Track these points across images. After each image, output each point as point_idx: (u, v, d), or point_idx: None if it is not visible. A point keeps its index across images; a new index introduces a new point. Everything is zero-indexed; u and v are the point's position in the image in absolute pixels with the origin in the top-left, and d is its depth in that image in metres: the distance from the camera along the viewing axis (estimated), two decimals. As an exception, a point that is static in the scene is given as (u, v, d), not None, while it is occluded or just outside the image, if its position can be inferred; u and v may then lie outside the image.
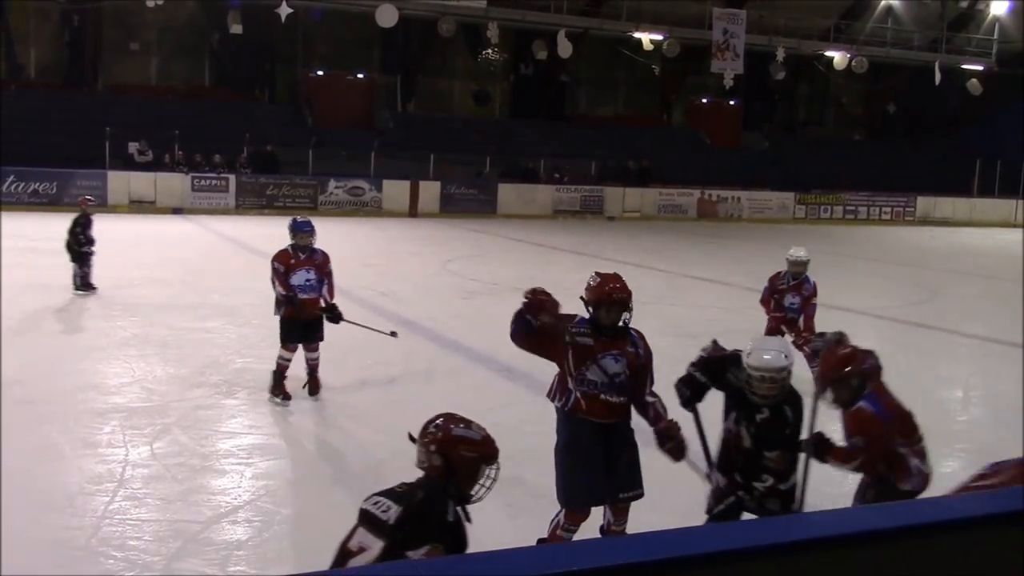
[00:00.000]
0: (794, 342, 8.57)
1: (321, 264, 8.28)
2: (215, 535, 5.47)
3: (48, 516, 5.56)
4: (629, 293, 4.98)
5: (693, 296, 15.39)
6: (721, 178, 33.01)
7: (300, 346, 8.28)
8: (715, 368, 4.89)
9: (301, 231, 8.28)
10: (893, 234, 30.35)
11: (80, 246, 12.70)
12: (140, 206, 25.32)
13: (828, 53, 35.86)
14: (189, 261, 15.65)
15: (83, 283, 12.77)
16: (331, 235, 22.34)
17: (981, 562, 2.27)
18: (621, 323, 4.94)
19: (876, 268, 21.25)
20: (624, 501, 4.96)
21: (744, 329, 12.73)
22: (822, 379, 4.85)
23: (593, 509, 5.04)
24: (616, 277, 5.07)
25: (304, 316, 8.11)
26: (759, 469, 4.68)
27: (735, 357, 4.79)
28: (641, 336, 5.08)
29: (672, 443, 4.88)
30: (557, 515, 5.02)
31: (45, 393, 8.10)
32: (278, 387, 8.19)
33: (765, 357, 4.60)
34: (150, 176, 25.92)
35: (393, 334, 8.97)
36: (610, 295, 4.93)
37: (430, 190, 29.00)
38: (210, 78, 34.63)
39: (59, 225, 13.45)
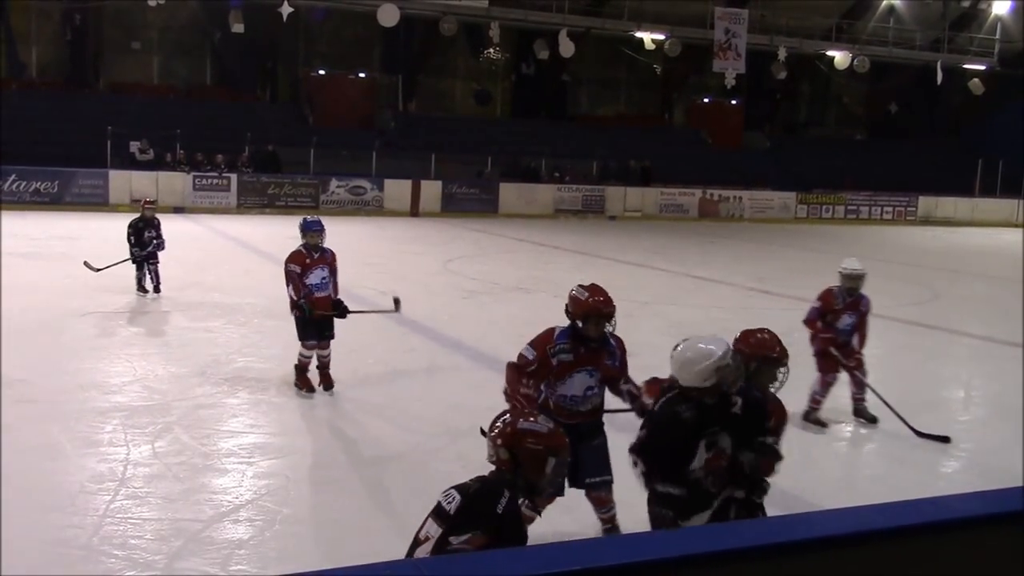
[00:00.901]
0: (845, 367, 7.97)
1: (331, 262, 8.48)
2: (217, 534, 5.47)
3: (49, 515, 5.56)
4: (614, 307, 5.16)
5: (694, 296, 15.39)
6: (722, 178, 33.02)
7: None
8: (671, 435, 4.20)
9: (311, 230, 8.43)
10: (895, 234, 30.35)
11: (138, 248, 12.78)
12: (139, 206, 25.29)
13: (830, 53, 35.86)
14: (190, 260, 15.66)
15: (139, 286, 12.90)
16: (332, 234, 22.35)
17: (982, 562, 2.27)
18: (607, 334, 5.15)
19: (877, 268, 21.15)
20: (591, 487, 5.24)
21: (743, 328, 12.74)
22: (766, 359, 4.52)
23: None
24: (601, 291, 5.20)
25: (318, 315, 8.27)
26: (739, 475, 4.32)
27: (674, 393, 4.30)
28: (619, 343, 5.30)
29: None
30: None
31: (47, 392, 8.10)
32: (302, 380, 8.43)
33: (712, 347, 4.16)
34: (151, 175, 25.95)
35: (396, 302, 8.86)
36: (597, 309, 5.08)
37: (431, 190, 29.02)
38: (211, 77, 34.67)
39: (61, 224, 13.45)
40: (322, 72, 33.98)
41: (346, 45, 34.83)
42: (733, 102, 38.39)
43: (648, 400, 4.97)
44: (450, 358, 10.21)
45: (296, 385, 8.46)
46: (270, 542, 5.43)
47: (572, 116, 38.42)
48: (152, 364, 9.31)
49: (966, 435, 8.07)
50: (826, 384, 7.99)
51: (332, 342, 8.54)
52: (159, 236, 12.90)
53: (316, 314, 8.22)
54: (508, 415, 3.52)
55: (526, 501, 5.78)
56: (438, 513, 3.25)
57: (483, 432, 3.53)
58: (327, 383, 8.49)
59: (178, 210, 25.06)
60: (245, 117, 30.42)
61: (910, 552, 2.22)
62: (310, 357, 8.43)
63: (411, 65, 35.41)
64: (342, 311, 8.41)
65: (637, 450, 4.27)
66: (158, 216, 13.34)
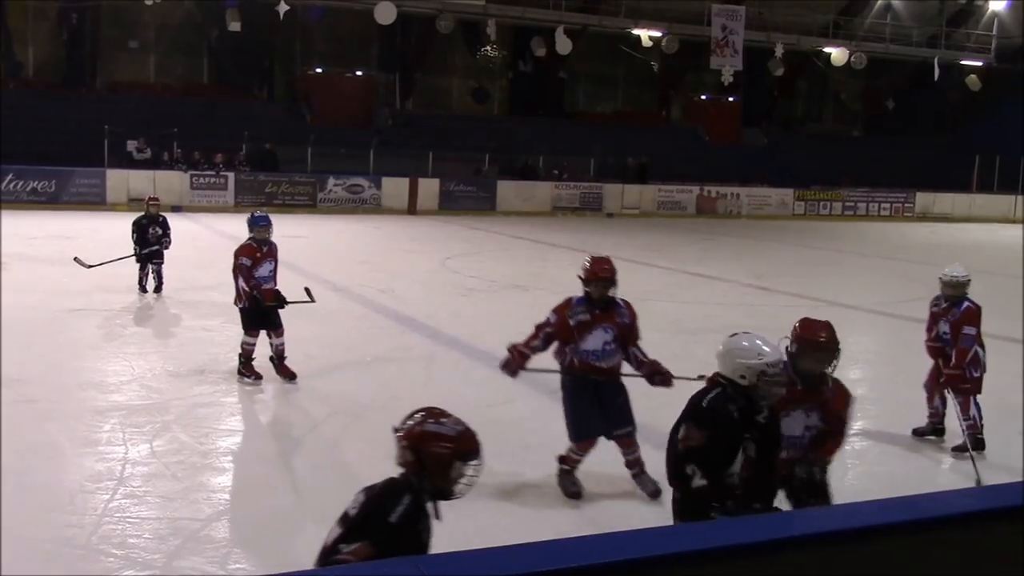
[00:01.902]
0: (941, 379, 7.52)
1: (277, 255, 8.90)
2: (215, 533, 5.48)
3: (48, 514, 5.57)
4: (614, 271, 6.21)
5: (692, 293, 15.39)
6: (720, 175, 33.01)
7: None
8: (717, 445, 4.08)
9: (260, 225, 8.84)
10: (892, 230, 30.37)
11: (141, 246, 12.82)
12: (139, 204, 25.28)
13: (827, 49, 35.86)
14: (188, 259, 15.63)
15: (140, 285, 12.96)
16: (330, 232, 22.56)
17: (978, 557, 2.28)
18: (610, 295, 6.14)
19: (876, 264, 21.26)
20: (618, 437, 6.20)
21: (742, 325, 12.75)
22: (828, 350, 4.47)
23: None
24: (605, 259, 6.29)
25: (265, 305, 8.59)
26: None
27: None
28: (628, 304, 6.31)
29: (659, 376, 6.13)
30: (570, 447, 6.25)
31: (45, 391, 8.10)
32: (247, 368, 8.67)
33: (766, 348, 4.13)
34: (149, 174, 25.90)
35: (307, 292, 9.08)
36: (597, 273, 6.16)
37: (429, 187, 29.01)
38: (209, 76, 34.64)
39: (58, 224, 13.44)
40: (319, 70, 33.96)
41: (343, 43, 34.81)
42: (730, 99, 38.39)
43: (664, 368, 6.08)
44: (448, 355, 10.21)
45: (240, 373, 8.66)
46: (268, 540, 5.44)
47: (569, 113, 38.41)
48: (150, 363, 9.31)
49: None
50: (959, 404, 7.44)
51: (332, 341, 8.57)
52: (167, 234, 12.95)
53: (265, 305, 8.54)
54: (416, 414, 3.35)
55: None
56: (343, 517, 3.16)
57: (395, 431, 3.39)
58: (285, 373, 8.67)
59: (176, 209, 24.99)
60: (242, 116, 30.40)
61: (905, 548, 2.22)
62: (253, 345, 8.69)
63: (408, 63, 35.39)
64: (281, 301, 8.73)
65: (691, 457, 4.00)
66: (164, 214, 13.37)
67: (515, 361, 6.19)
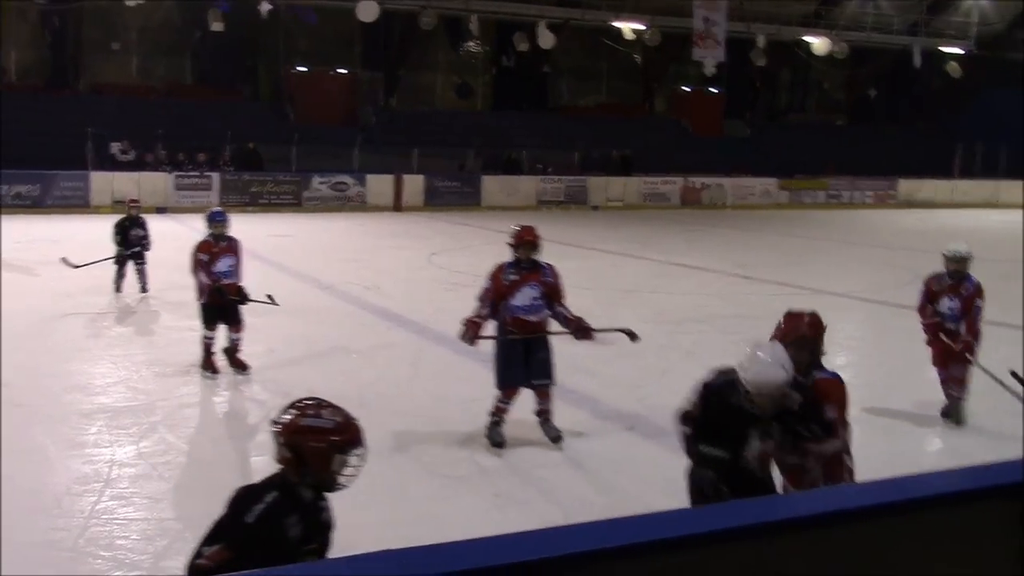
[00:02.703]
0: (955, 354, 7.70)
1: (237, 250, 9.01)
2: (202, 533, 5.46)
3: (35, 517, 5.55)
4: (538, 236, 7.12)
5: (678, 283, 15.43)
6: (704, 166, 33.08)
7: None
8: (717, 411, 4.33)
9: (216, 220, 9.01)
10: (876, 217, 30.48)
11: (124, 248, 12.88)
12: (124, 206, 25.15)
13: (808, 39, 35.91)
14: (173, 260, 15.57)
15: (116, 285, 12.98)
16: (315, 231, 22.51)
17: (967, 538, 2.29)
18: (535, 257, 7.03)
19: (861, 252, 21.34)
20: (536, 386, 7.05)
21: (727, 315, 12.81)
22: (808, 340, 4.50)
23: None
24: (530, 227, 7.21)
25: (225, 300, 8.73)
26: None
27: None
28: (551, 267, 7.18)
29: (580, 332, 7.02)
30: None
31: (31, 395, 8.06)
32: (207, 363, 8.81)
33: (771, 370, 4.10)
34: (133, 176, 25.79)
35: (269, 298, 9.14)
36: (523, 237, 7.06)
37: (414, 184, 28.98)
38: (192, 76, 34.49)
39: (43, 227, 13.38)
40: (303, 69, 33.83)
41: (326, 42, 34.67)
42: (713, 90, 38.43)
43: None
44: (435, 351, 10.20)
45: (202, 367, 8.79)
46: (257, 539, 5.43)
47: (553, 107, 38.40)
48: (136, 364, 9.28)
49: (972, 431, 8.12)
50: (954, 380, 7.76)
51: (319, 339, 8.57)
52: (147, 235, 13.00)
53: (225, 299, 8.68)
54: (291, 408, 3.28)
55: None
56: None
57: (272, 425, 3.34)
58: (238, 365, 8.85)
59: (160, 210, 24.90)
60: (226, 116, 30.28)
61: (891, 530, 2.23)
62: (213, 339, 8.83)
63: (392, 60, 35.31)
64: (244, 297, 8.86)
65: (684, 419, 4.33)
66: (143, 216, 13.39)
67: (470, 330, 7.04)
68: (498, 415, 7.07)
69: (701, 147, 35.45)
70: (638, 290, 14.43)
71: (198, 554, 3.06)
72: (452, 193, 29.50)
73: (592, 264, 17.67)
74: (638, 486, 6.29)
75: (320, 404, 3.28)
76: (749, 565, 2.02)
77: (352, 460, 3.23)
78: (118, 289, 12.99)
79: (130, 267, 12.94)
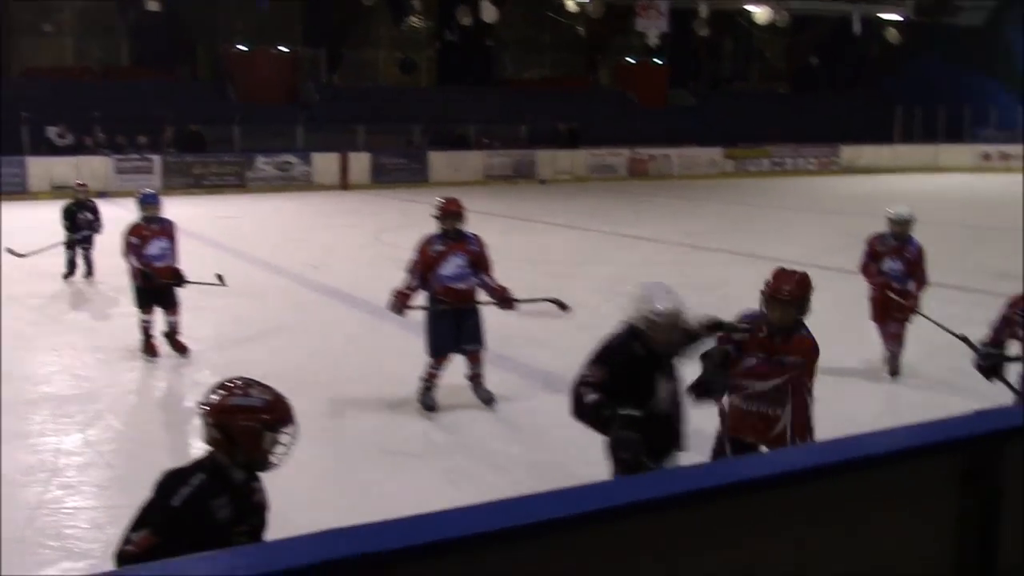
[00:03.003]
0: (898, 314, 8.04)
1: (171, 232, 8.92)
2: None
3: (-20, 510, 5.44)
4: (462, 207, 7.40)
5: (626, 254, 15.50)
6: (650, 137, 33.17)
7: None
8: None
9: (148, 203, 8.94)
10: (819, 183, 30.84)
11: (72, 232, 12.76)
12: (63, 191, 24.65)
13: (750, 8, 36.08)
14: (116, 245, 15.34)
15: (68, 270, 12.87)
16: (261, 211, 22.25)
17: (905, 496, 2.33)
18: (460, 228, 7.30)
19: (804, 217, 21.60)
20: (467, 352, 7.36)
21: (675, 284, 12.87)
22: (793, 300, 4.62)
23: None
24: (453, 199, 7.49)
25: (159, 283, 8.68)
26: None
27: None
28: (477, 237, 7.45)
29: (504, 302, 7.30)
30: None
31: (-29, 386, 7.90)
32: (147, 346, 8.81)
33: (654, 296, 4.34)
34: (72, 160, 25.26)
35: (219, 279, 9.04)
36: (448, 209, 7.34)
37: (360, 162, 28.75)
38: (128, 57, 33.81)
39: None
40: (243, 48, 33.26)
41: (266, 19, 34.09)
42: (657, 61, 38.52)
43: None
44: (385, 328, 10.14)
45: (142, 351, 8.77)
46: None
47: (498, 81, 38.26)
48: (79, 352, 9.14)
49: (885, 375, 8.29)
50: (892, 335, 8.14)
51: (266, 319, 8.50)
52: (97, 218, 12.87)
53: (158, 282, 8.63)
54: (218, 388, 3.23)
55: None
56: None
57: (199, 406, 3.30)
58: (178, 348, 8.84)
59: (102, 195, 24.25)
60: (165, 97, 29.69)
61: (834, 491, 2.26)
62: (150, 322, 8.81)
63: (333, 37, 34.89)
64: (180, 280, 8.79)
65: (591, 387, 4.22)
66: (93, 199, 13.29)
67: (399, 301, 7.31)
68: (430, 380, 7.37)
69: (647, 118, 35.55)
70: (588, 262, 14.48)
71: (126, 540, 3.02)
72: (399, 170, 29.31)
73: (541, 237, 17.70)
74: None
75: (249, 383, 3.23)
76: (695, 529, 2.05)
77: (283, 439, 3.19)
78: (70, 274, 12.83)
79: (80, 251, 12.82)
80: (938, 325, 7.45)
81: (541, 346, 8.95)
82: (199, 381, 8.20)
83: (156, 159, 26.39)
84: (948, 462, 2.37)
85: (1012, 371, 5.08)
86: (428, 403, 7.35)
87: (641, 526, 1.96)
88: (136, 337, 9.44)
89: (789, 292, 4.58)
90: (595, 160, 32.03)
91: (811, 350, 4.65)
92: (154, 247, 8.71)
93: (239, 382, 3.24)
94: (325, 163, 28.28)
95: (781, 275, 4.68)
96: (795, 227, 20.05)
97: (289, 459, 3.25)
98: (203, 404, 3.21)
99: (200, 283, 9.01)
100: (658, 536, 1.99)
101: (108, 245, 13.04)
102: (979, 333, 4.96)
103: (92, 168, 25.26)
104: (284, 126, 29.04)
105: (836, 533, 2.24)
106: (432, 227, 7.48)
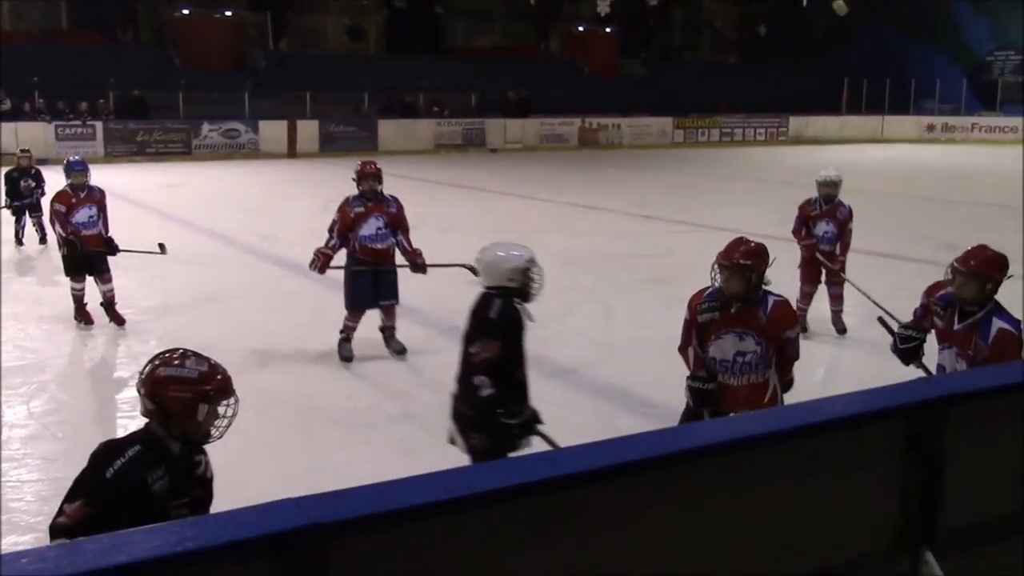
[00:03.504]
0: (828, 276, 8.41)
1: (99, 200, 8.85)
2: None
3: (-79, 484, 5.34)
4: (380, 169, 7.79)
5: (577, 224, 15.53)
6: (600, 106, 33.18)
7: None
8: None
9: (74, 170, 8.83)
10: (767, 154, 31.09)
11: (13, 199, 12.76)
12: (2, 158, 24.13)
13: (700, -23, 36.15)
14: (58, 213, 15.06)
15: (16, 238, 12.87)
16: (207, 180, 21.96)
17: (852, 461, 2.37)
18: (379, 190, 7.70)
19: (751, 187, 21.78)
20: (382, 306, 7.84)
21: (628, 253, 12.96)
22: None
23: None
24: (371, 162, 7.95)
25: (87, 251, 8.59)
26: None
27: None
28: (396, 199, 7.83)
29: (416, 267, 7.79)
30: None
31: (-91, 358, 7.72)
32: (80, 313, 8.81)
33: (520, 250, 4.56)
34: (11, 126, 24.61)
35: (161, 247, 9.04)
36: (366, 171, 7.73)
37: (308, 129, 28.42)
38: (68, 20, 32.93)
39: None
40: (186, 12, 32.54)
41: (209, -18, 33.53)
42: (607, 30, 38.46)
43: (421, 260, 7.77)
44: (336, 298, 10.07)
45: (76, 319, 8.76)
46: (158, 494, 5.33)
47: (448, 49, 37.94)
48: (22, 323, 8.95)
49: (840, 343, 8.43)
50: (806, 294, 8.43)
51: (215, 290, 8.41)
52: (39, 185, 12.75)
53: (87, 250, 8.54)
54: (154, 359, 3.16)
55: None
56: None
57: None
58: (115, 318, 8.77)
59: (41, 162, 23.70)
60: (107, 61, 29.05)
61: (781, 456, 2.30)
62: (81, 290, 8.78)
63: (279, 1, 34.30)
64: (112, 248, 8.72)
65: (482, 369, 4.24)
66: (36, 167, 13.26)
67: (320, 260, 7.70)
68: (346, 332, 7.80)
69: (597, 87, 35.54)
70: (538, 232, 14.47)
71: (59, 511, 2.96)
72: (348, 138, 29.02)
73: (492, 206, 17.66)
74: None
75: (185, 354, 3.16)
76: (649, 494, 2.07)
77: (221, 410, 3.12)
78: (20, 243, 12.79)
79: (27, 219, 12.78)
80: (860, 291, 7.70)
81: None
82: (147, 352, 8.09)
83: (98, 125, 25.85)
84: (894, 427, 2.42)
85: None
86: (345, 354, 7.74)
87: (592, 493, 1.98)
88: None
89: (739, 258, 4.58)
90: (545, 129, 31.98)
91: (788, 311, 4.71)
92: (81, 215, 8.65)
93: (175, 353, 3.17)
94: (273, 131, 27.92)
95: (735, 243, 4.70)
96: (743, 197, 20.22)
97: (232, 430, 3.21)
98: (139, 375, 3.15)
99: (137, 251, 8.96)
100: (613, 501, 2.01)
101: (43, 212, 12.87)
102: (916, 304, 5.00)
103: (32, 134, 24.67)
104: (230, 92, 28.57)
105: (784, 496, 2.27)
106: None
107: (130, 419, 6.44)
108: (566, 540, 1.95)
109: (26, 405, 6.66)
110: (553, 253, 12.36)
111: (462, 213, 16.19)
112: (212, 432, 3.14)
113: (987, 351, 4.27)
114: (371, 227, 7.63)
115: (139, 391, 3.11)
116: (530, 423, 4.34)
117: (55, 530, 2.96)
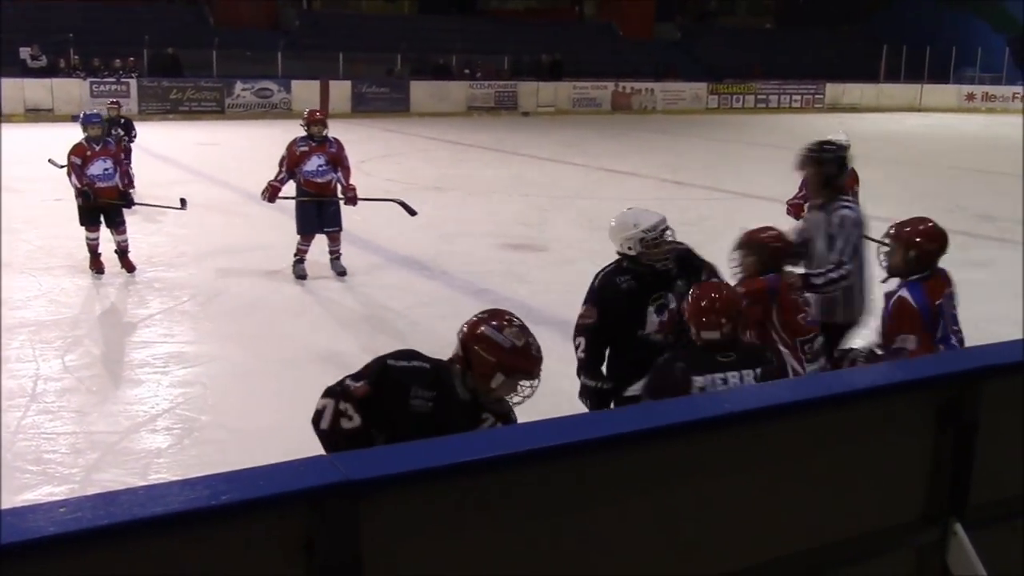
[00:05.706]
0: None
1: (115, 153, 9.26)
2: (134, 444, 5.43)
3: (-41, 434, 5.44)
4: (323, 117, 9.25)
5: (608, 189, 15.45)
6: (634, 70, 32.90)
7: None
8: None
9: (91, 123, 9.18)
10: (802, 121, 30.73)
11: None
12: (37, 114, 24.32)
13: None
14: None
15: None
16: (240, 139, 21.98)
17: (882, 432, 2.36)
18: (324, 134, 9.01)
19: (785, 155, 21.48)
20: (328, 232, 9.08)
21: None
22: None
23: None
24: (315, 110, 9.48)
25: (101, 203, 8.93)
26: None
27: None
28: (337, 140, 9.13)
29: (348, 200, 9.00)
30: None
31: (-52, 310, 7.84)
32: (94, 262, 9.12)
33: (639, 219, 4.41)
34: (46, 83, 24.85)
35: (182, 202, 9.47)
36: (312, 117, 9.14)
37: (340, 90, 28.39)
38: (103, -23, 32.98)
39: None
40: (220, -31, 32.52)
41: (244, -60, 33.38)
42: (643, -7, 38.05)
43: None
44: (366, 259, 10.12)
45: (90, 268, 9.07)
46: (189, 449, 5.41)
47: (482, 11, 37.74)
48: (57, 278, 9.06)
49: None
50: None
51: (246, 248, 8.48)
52: (129, 132, 13.46)
53: (100, 201, 8.89)
54: (484, 313, 3.22)
55: None
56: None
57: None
58: (127, 266, 9.15)
59: (76, 118, 24.01)
60: (142, 19, 29.13)
61: (809, 427, 2.29)
62: (96, 240, 9.09)
63: (313, -40, 34.23)
64: (128, 201, 9.27)
65: (580, 332, 4.34)
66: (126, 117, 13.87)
67: (269, 191, 8.88)
68: (299, 255, 9.00)
69: (631, 51, 35.20)
70: (570, 196, 14.44)
71: (341, 382, 3.08)
72: (380, 99, 28.99)
73: (523, 170, 17.59)
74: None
75: (511, 321, 3.18)
76: (675, 461, 2.07)
77: (518, 387, 3.15)
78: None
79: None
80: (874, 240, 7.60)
81: (521, 281, 8.96)
82: (184, 310, 8.18)
83: (132, 82, 25.95)
84: (926, 398, 2.40)
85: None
86: (299, 273, 8.97)
87: (621, 458, 1.98)
88: (117, 263, 9.40)
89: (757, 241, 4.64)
90: (578, 93, 31.76)
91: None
92: (96, 167, 8.94)
93: (504, 316, 3.22)
94: (305, 91, 27.88)
95: (754, 231, 4.71)
96: (776, 165, 20.00)
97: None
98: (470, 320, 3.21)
99: (155, 205, 9.49)
100: (640, 469, 2.01)
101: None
102: (956, 276, 4.92)
103: (67, 91, 24.89)
104: (263, 52, 28.56)
105: (812, 468, 2.27)
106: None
107: (163, 374, 6.53)
108: (599, 506, 1.96)
109: (61, 359, 6.76)
110: (584, 217, 12.35)
111: (492, 176, 16.15)
112: (503, 401, 3.17)
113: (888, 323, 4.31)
114: (314, 164, 8.87)
115: (458, 334, 3.19)
116: (603, 394, 4.31)
117: (337, 392, 3.06)
